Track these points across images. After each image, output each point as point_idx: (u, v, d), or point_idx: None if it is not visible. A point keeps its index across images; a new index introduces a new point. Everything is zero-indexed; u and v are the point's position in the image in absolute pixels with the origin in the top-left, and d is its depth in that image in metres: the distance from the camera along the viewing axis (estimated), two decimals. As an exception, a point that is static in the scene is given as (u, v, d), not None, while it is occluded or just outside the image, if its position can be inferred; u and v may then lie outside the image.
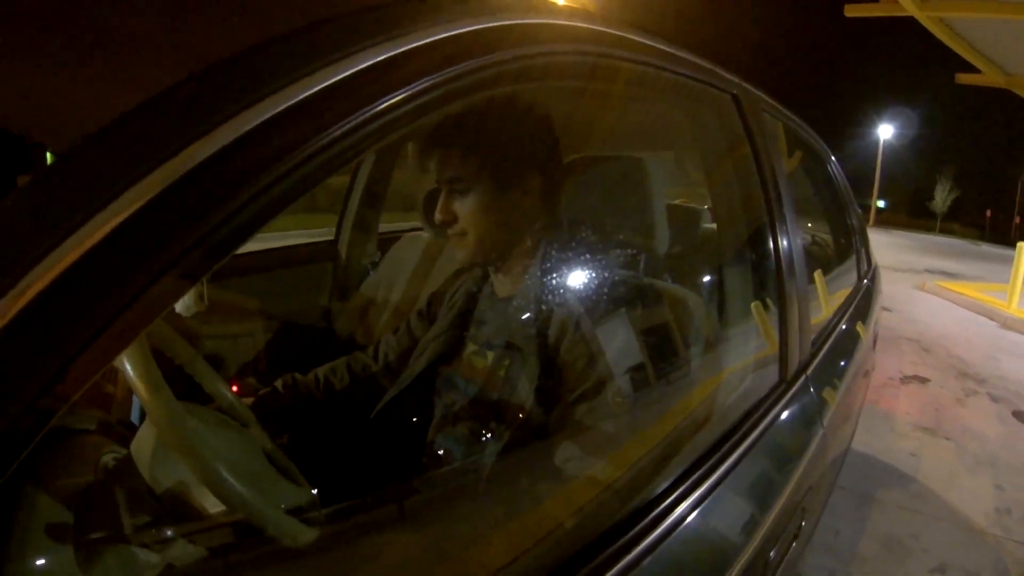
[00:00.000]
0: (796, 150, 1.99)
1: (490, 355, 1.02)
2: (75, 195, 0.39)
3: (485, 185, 0.97)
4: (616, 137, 1.22)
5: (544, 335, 0.95)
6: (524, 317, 0.99)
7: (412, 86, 0.51)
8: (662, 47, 0.92)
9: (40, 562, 0.57)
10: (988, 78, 10.85)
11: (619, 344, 0.94)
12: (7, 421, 0.35)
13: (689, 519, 0.77)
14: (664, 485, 0.78)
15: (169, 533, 0.64)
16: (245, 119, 0.43)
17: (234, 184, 0.42)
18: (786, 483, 0.99)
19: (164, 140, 0.41)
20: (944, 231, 43.20)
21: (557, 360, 0.93)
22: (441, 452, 0.98)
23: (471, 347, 1.06)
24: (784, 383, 1.12)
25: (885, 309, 6.65)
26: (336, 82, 0.47)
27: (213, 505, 0.63)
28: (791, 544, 1.03)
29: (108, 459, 0.72)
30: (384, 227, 2.40)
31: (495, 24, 0.60)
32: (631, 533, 0.69)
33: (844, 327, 1.73)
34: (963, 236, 36.41)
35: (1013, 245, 7.90)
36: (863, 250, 2.58)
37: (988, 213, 49.49)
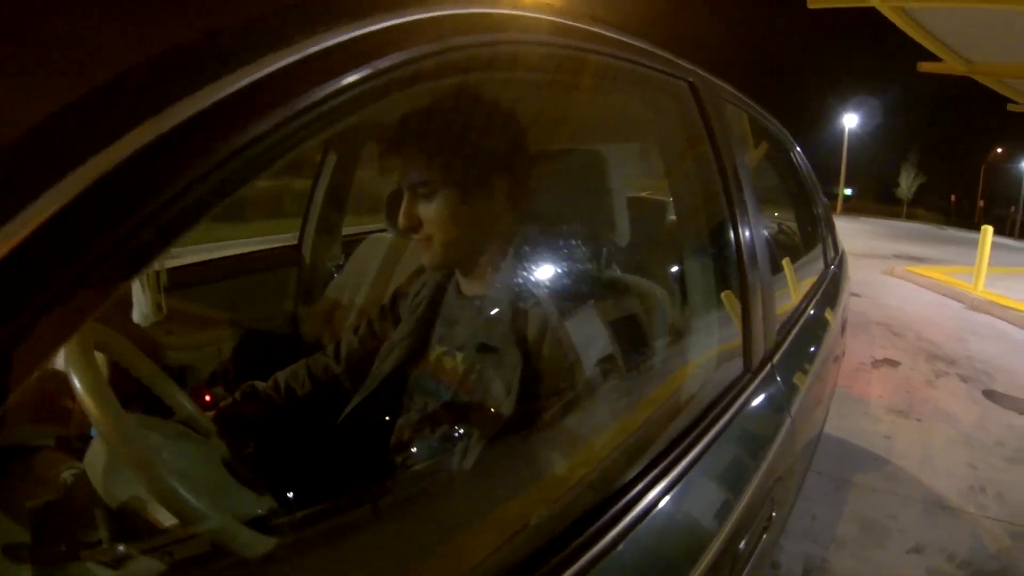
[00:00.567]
0: (759, 139, 1.99)
1: (460, 356, 0.99)
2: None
3: (451, 188, 0.94)
4: (572, 130, 1.20)
5: (522, 334, 0.93)
6: (496, 317, 0.97)
7: (356, 71, 0.50)
8: (612, 35, 0.91)
9: None
10: (949, 66, 11.11)
11: (592, 339, 0.92)
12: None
13: (655, 510, 0.76)
14: (630, 476, 0.78)
15: (126, 550, 0.63)
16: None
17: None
18: (754, 473, 0.98)
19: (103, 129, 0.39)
20: (910, 217, 44.03)
21: (539, 359, 0.91)
22: (414, 455, 0.96)
23: (439, 349, 1.04)
24: (749, 373, 1.11)
25: (855, 295, 6.76)
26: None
27: (167, 519, 0.63)
28: (762, 535, 1.02)
29: (67, 475, 0.71)
30: (348, 229, 2.37)
31: (443, 13, 0.59)
32: (598, 523, 0.69)
33: (811, 314, 1.73)
34: (929, 221, 37.20)
35: (978, 228, 8.08)
36: (829, 237, 2.60)
37: (953, 198, 50.66)
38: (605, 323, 0.93)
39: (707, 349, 1.12)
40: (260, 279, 2.17)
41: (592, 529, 0.68)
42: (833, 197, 39.55)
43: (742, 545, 0.91)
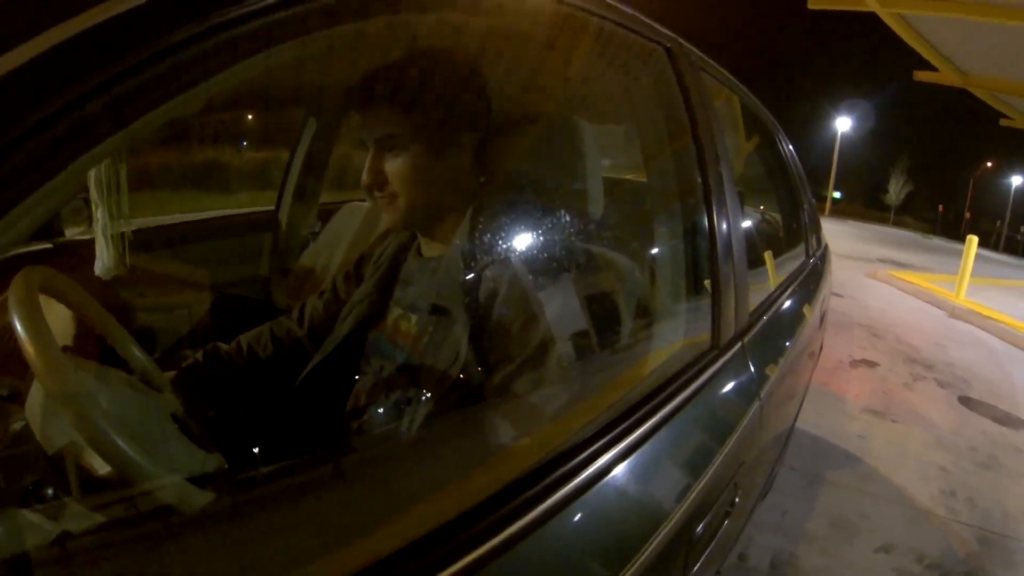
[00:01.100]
0: (741, 119, 1.96)
1: (414, 318, 0.97)
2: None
3: (420, 145, 0.91)
4: (545, 94, 1.16)
5: (474, 297, 0.90)
6: (451, 279, 0.94)
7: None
8: None
9: None
10: (945, 76, 11.16)
11: (551, 305, 0.90)
12: None
13: (608, 477, 0.73)
14: (582, 439, 0.75)
15: (62, 496, 0.63)
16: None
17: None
18: (716, 452, 0.95)
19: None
20: (897, 223, 44.35)
21: (488, 322, 0.88)
22: (368, 418, 0.94)
23: (397, 310, 1.01)
24: (716, 350, 1.07)
25: (838, 296, 6.79)
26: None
27: (101, 465, 0.62)
28: (723, 520, 0.98)
29: (18, 426, 0.71)
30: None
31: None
32: (545, 482, 0.66)
33: (789, 303, 1.70)
34: (915, 229, 37.48)
35: (963, 239, 8.13)
36: (811, 227, 2.55)
37: (940, 208, 51.16)
38: (565, 290, 0.91)
39: (674, 322, 1.09)
40: (234, 243, 2.16)
41: (538, 487, 0.65)
42: (822, 199, 39.82)
43: (700, 528, 0.87)
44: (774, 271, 1.80)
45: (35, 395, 0.67)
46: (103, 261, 1.22)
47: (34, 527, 0.57)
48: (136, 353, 0.87)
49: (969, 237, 7.82)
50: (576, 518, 0.67)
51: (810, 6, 10.18)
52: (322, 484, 0.68)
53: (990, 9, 7.28)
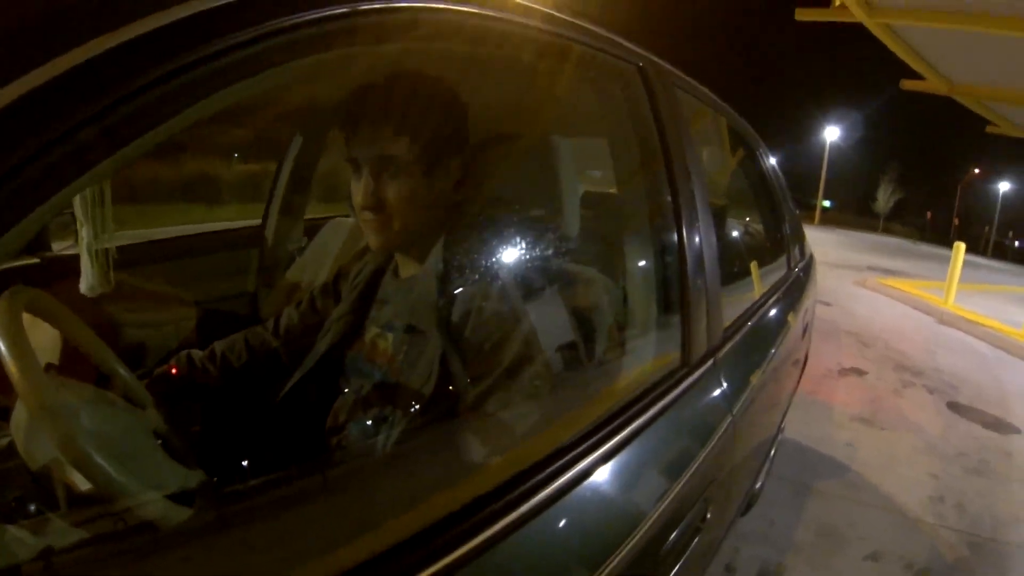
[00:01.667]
0: (719, 134, 1.98)
1: (390, 337, 0.98)
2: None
3: (416, 167, 0.91)
4: (519, 116, 1.17)
5: (447, 317, 0.90)
6: (426, 298, 0.94)
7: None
8: (558, 15, 0.88)
9: None
10: (932, 85, 11.25)
11: (523, 324, 0.90)
12: None
13: (571, 494, 0.74)
14: (548, 453, 0.77)
15: (45, 513, 0.64)
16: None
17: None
18: (684, 469, 0.95)
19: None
20: (886, 231, 44.65)
21: (461, 342, 0.88)
22: (346, 436, 0.94)
23: (373, 329, 1.02)
24: (686, 367, 1.08)
25: (826, 304, 6.82)
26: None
27: (83, 482, 0.63)
28: (694, 536, 0.98)
29: (3, 442, 0.73)
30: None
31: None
32: (513, 494, 0.69)
33: (769, 316, 1.71)
34: (904, 236, 37.68)
35: (951, 245, 8.19)
36: (794, 238, 2.57)
37: (929, 215, 51.53)
38: (537, 309, 0.91)
39: (644, 341, 1.09)
40: (221, 259, 2.17)
41: (502, 501, 0.67)
42: (812, 208, 40.06)
43: (669, 543, 0.88)
44: (755, 284, 1.81)
45: (19, 412, 0.68)
46: (88, 279, 1.22)
47: (17, 542, 0.58)
48: (119, 370, 0.88)
49: (956, 244, 7.89)
50: (535, 537, 0.68)
51: (798, 18, 10.25)
52: (303, 498, 0.68)
53: (975, 20, 7.38)
